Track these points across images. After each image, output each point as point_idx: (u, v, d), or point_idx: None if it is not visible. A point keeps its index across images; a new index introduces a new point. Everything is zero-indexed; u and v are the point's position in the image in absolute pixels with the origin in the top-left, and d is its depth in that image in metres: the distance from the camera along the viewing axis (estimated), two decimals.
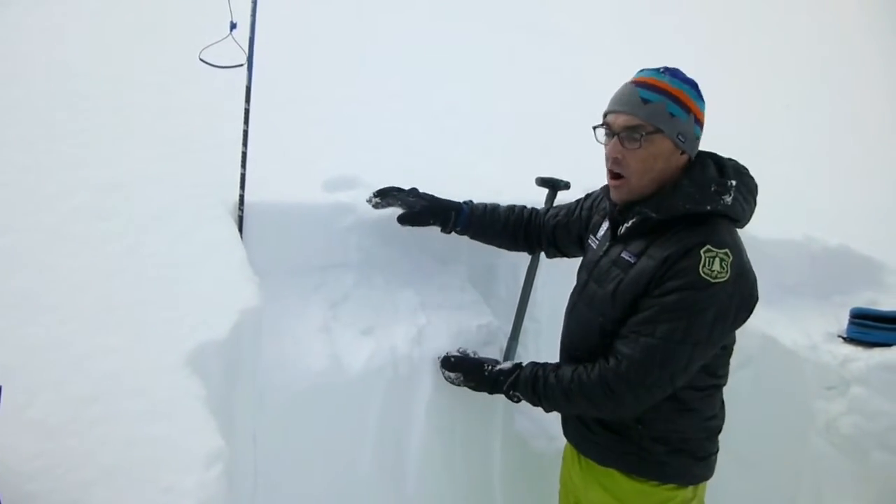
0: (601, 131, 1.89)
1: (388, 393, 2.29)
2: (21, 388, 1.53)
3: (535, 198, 2.87)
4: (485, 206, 2.46)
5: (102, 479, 1.42)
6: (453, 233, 2.46)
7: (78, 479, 1.41)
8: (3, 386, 1.30)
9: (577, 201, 2.34)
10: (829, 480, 2.78)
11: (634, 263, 1.83)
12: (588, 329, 1.95)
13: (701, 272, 1.70)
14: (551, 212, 2.41)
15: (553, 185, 2.83)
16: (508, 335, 2.70)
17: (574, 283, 2.18)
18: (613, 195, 1.90)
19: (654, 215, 1.80)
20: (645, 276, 1.79)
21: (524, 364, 2.11)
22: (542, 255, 2.74)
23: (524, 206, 2.48)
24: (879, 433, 2.70)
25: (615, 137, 1.82)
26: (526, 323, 2.77)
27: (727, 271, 1.71)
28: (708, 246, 1.72)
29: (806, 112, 5.95)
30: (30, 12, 3.26)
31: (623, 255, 1.88)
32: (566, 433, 2.15)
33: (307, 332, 2.26)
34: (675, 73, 1.85)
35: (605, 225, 2.06)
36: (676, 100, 1.80)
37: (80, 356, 1.65)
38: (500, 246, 2.55)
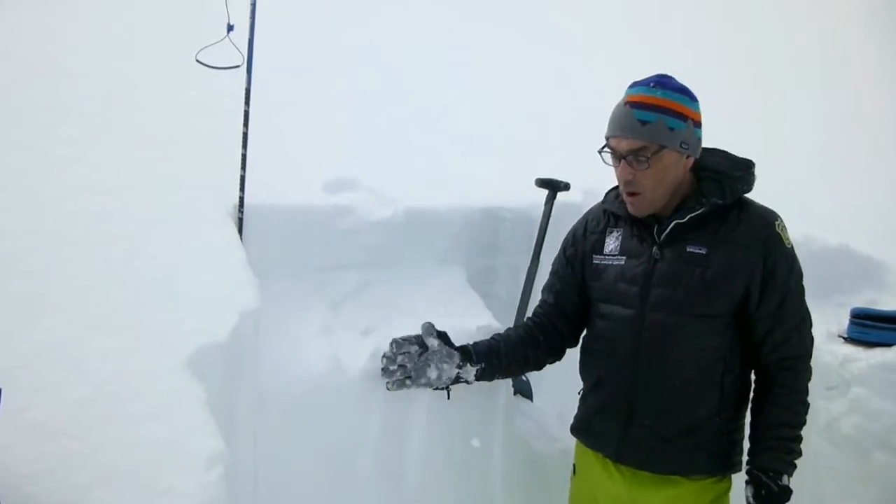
0: (607, 154, 1.90)
1: (388, 394, 2.29)
2: (21, 391, 1.53)
3: (535, 199, 2.87)
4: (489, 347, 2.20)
5: (102, 481, 1.42)
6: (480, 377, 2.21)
7: (78, 481, 1.41)
8: (3, 388, 1.30)
9: (554, 264, 2.20)
10: (830, 481, 2.76)
11: (708, 254, 1.85)
12: (676, 331, 1.86)
13: (786, 245, 1.87)
14: (542, 300, 2.24)
15: (553, 186, 2.83)
16: None
17: None
18: (633, 211, 1.91)
19: (720, 202, 1.86)
20: (737, 261, 1.83)
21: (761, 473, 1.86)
22: (541, 259, 2.74)
23: (518, 327, 2.28)
24: (880, 433, 2.68)
25: (622, 161, 1.84)
26: None
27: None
28: (779, 220, 1.89)
29: (806, 111, 5.95)
30: (27, 14, 3.27)
31: (689, 249, 1.87)
32: (618, 455, 1.95)
33: (307, 334, 2.26)
34: (665, 84, 1.86)
35: (617, 234, 2.01)
36: (672, 112, 1.82)
37: (80, 358, 1.65)
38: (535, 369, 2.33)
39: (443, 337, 2.19)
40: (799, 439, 1.86)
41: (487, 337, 2.36)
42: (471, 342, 2.21)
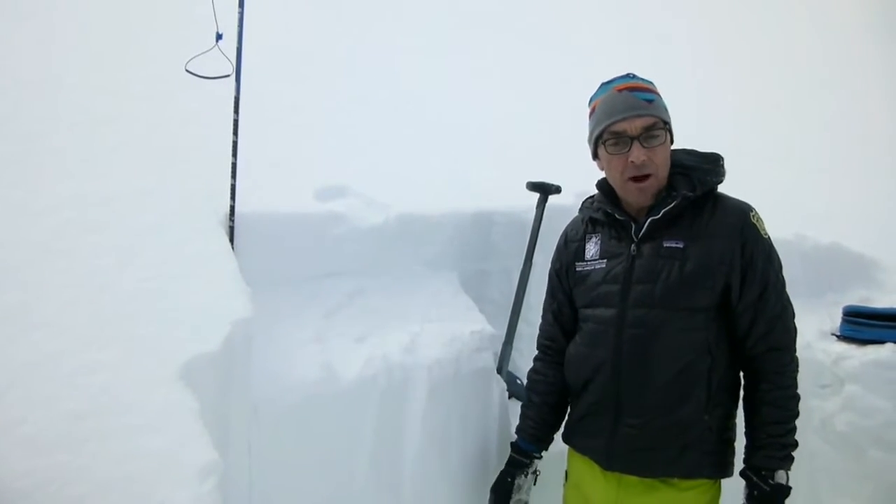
0: (608, 145, 1.90)
1: (382, 401, 2.29)
2: (14, 405, 1.52)
3: (527, 202, 2.88)
4: (536, 414, 2.23)
5: (96, 495, 1.42)
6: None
7: (72, 494, 1.40)
8: None
9: (547, 284, 2.22)
10: (825, 478, 2.78)
11: (685, 247, 1.87)
12: (659, 327, 1.86)
13: (763, 235, 1.89)
14: (543, 320, 2.24)
15: (544, 190, 2.84)
16: (503, 340, 2.71)
17: None
18: (642, 198, 1.92)
19: (690, 194, 1.88)
20: (715, 252, 1.85)
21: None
22: (534, 261, 2.75)
23: (543, 375, 2.22)
24: (874, 430, 2.70)
25: (634, 142, 1.85)
26: (520, 326, 2.78)
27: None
28: (753, 211, 1.91)
29: (798, 110, 5.97)
30: (18, 26, 3.26)
31: (666, 244, 1.89)
32: (608, 458, 1.95)
33: (300, 342, 2.26)
34: (637, 76, 1.96)
35: (596, 239, 2.04)
36: (658, 94, 1.94)
37: (73, 371, 1.64)
38: None
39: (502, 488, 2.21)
40: (792, 432, 1.85)
41: (483, 340, 2.39)
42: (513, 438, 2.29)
